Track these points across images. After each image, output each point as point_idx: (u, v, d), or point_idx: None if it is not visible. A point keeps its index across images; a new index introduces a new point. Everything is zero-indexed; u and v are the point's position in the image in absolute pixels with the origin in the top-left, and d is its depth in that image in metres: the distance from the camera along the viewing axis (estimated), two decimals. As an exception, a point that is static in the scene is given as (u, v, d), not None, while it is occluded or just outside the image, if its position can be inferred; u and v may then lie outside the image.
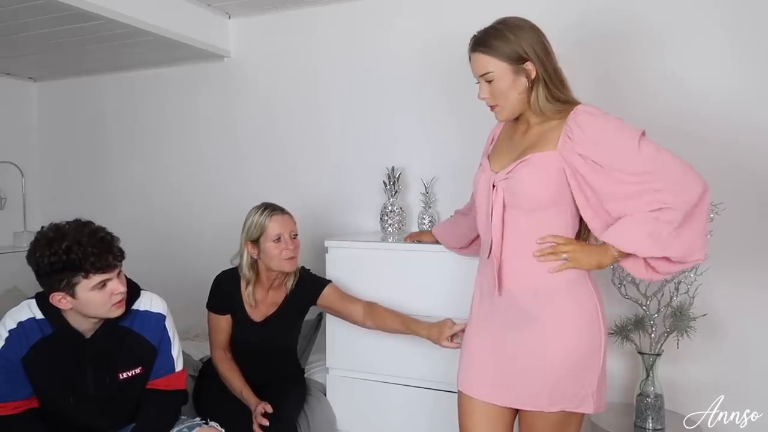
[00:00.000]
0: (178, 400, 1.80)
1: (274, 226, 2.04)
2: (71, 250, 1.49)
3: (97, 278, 1.54)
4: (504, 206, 1.47)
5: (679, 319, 1.98)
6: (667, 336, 2.01)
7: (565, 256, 1.42)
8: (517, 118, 1.54)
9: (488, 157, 1.59)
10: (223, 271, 2.17)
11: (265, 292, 2.15)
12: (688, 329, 1.97)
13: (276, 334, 2.16)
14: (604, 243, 1.43)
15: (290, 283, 2.16)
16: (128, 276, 1.69)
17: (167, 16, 2.64)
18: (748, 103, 2.10)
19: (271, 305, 2.15)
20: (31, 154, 3.68)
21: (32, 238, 1.57)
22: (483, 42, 1.45)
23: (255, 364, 2.14)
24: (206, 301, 2.16)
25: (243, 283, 2.12)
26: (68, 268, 1.50)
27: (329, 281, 2.19)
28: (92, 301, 1.56)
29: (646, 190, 1.37)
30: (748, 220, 2.11)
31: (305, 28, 2.87)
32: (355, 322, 2.12)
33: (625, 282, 2.08)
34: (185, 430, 1.74)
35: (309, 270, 2.25)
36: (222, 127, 3.13)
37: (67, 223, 1.57)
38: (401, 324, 2.00)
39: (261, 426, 1.92)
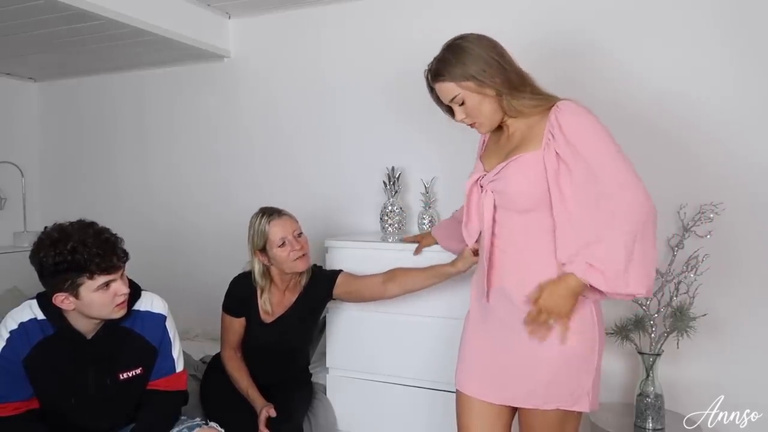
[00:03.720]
0: (178, 400, 1.80)
1: (275, 231, 2.02)
2: (76, 250, 1.49)
3: (101, 279, 1.54)
4: (495, 207, 1.49)
5: (679, 319, 1.98)
6: (667, 336, 2.01)
7: (551, 322, 1.39)
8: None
9: (480, 159, 1.62)
10: (239, 275, 2.16)
11: (282, 294, 2.14)
12: (688, 329, 1.97)
13: (285, 335, 2.14)
14: (564, 279, 1.38)
15: (305, 279, 2.14)
16: (129, 276, 1.69)
17: (167, 16, 2.64)
18: (750, 103, 2.10)
19: (284, 306, 2.14)
20: (31, 154, 3.68)
21: (32, 238, 1.57)
22: (439, 72, 1.48)
23: (263, 365, 2.14)
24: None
25: (258, 291, 2.11)
26: (73, 269, 1.50)
27: (340, 270, 2.16)
28: (95, 302, 1.56)
29: (603, 212, 1.35)
30: (747, 219, 2.11)
31: (305, 28, 2.87)
32: (374, 296, 2.07)
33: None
34: (185, 430, 1.74)
35: (321, 267, 2.23)
36: (222, 128, 3.13)
37: (71, 223, 1.57)
38: (427, 276, 1.96)
39: (268, 425, 1.93)
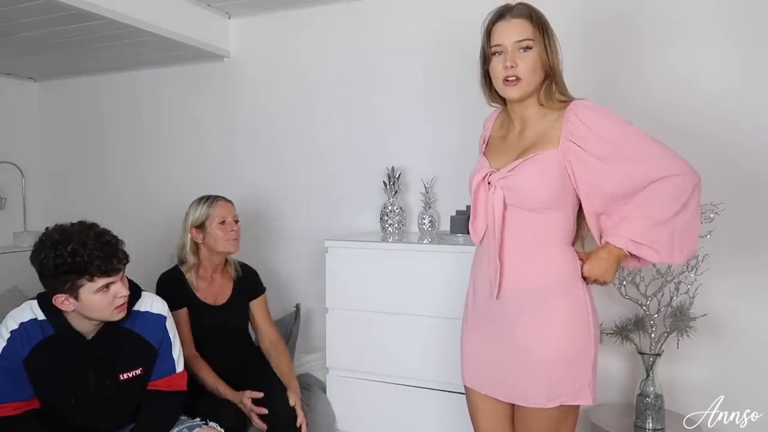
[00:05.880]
0: (178, 400, 1.80)
1: (220, 210, 2.22)
2: (77, 252, 1.49)
3: (101, 282, 1.54)
4: (504, 205, 1.46)
5: (679, 319, 1.98)
6: (667, 336, 2.01)
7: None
8: (509, 116, 1.55)
9: (484, 155, 1.58)
10: (162, 273, 2.25)
11: (210, 278, 2.27)
12: (688, 329, 1.98)
13: (235, 317, 2.28)
14: (607, 247, 1.44)
15: (232, 270, 2.32)
16: (128, 276, 1.69)
17: (167, 16, 2.64)
18: (750, 103, 2.10)
19: (222, 289, 2.28)
20: (31, 154, 3.68)
21: (32, 238, 1.58)
22: (529, 11, 1.44)
23: (225, 349, 2.20)
24: None
25: (185, 269, 2.22)
26: (73, 271, 1.50)
27: (264, 289, 2.38)
28: (95, 303, 1.56)
29: (647, 181, 1.39)
30: (748, 219, 2.11)
31: (305, 28, 2.87)
32: (260, 340, 2.34)
33: (625, 282, 2.08)
34: (185, 430, 1.74)
35: (251, 267, 2.41)
36: (222, 127, 3.13)
37: (72, 224, 1.57)
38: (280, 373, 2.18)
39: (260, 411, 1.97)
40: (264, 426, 1.95)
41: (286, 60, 2.93)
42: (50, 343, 1.62)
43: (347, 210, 2.82)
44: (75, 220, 1.60)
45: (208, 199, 2.26)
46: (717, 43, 2.14)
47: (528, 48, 1.42)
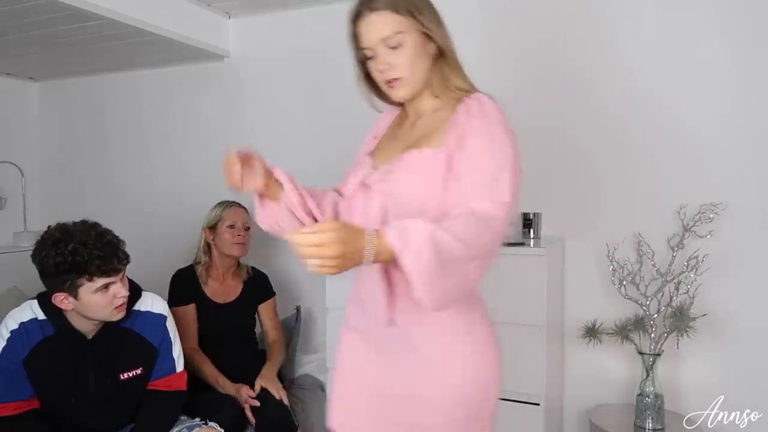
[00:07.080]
0: (178, 400, 1.80)
1: (230, 215, 2.36)
2: (77, 252, 1.50)
3: (100, 281, 1.54)
4: (386, 213, 1.16)
5: (679, 319, 1.98)
6: (667, 336, 2.01)
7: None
8: (404, 107, 1.32)
9: (370, 155, 1.32)
10: (178, 269, 2.38)
11: (221, 278, 2.38)
12: (688, 329, 1.97)
13: (241, 317, 2.36)
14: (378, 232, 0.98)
15: (244, 272, 2.42)
16: (129, 276, 1.69)
17: (167, 16, 2.63)
18: (750, 104, 2.10)
19: (231, 289, 2.37)
20: (31, 154, 3.67)
21: (32, 238, 1.58)
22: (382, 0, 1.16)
23: (228, 348, 2.25)
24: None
25: (198, 268, 2.34)
26: (73, 270, 1.51)
27: (274, 293, 2.48)
28: (94, 303, 1.56)
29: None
30: (747, 220, 2.10)
31: (305, 27, 2.87)
32: (266, 340, 2.43)
33: (625, 282, 2.08)
34: (185, 430, 1.74)
35: (262, 271, 2.50)
36: (222, 127, 3.13)
37: (74, 223, 1.58)
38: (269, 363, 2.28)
39: (254, 408, 2.03)
40: (253, 420, 2.03)
41: (287, 60, 2.93)
42: (50, 342, 1.62)
43: (347, 210, 2.81)
44: (76, 220, 1.61)
45: (224, 204, 2.39)
46: (716, 45, 2.14)
47: (399, 43, 1.16)
